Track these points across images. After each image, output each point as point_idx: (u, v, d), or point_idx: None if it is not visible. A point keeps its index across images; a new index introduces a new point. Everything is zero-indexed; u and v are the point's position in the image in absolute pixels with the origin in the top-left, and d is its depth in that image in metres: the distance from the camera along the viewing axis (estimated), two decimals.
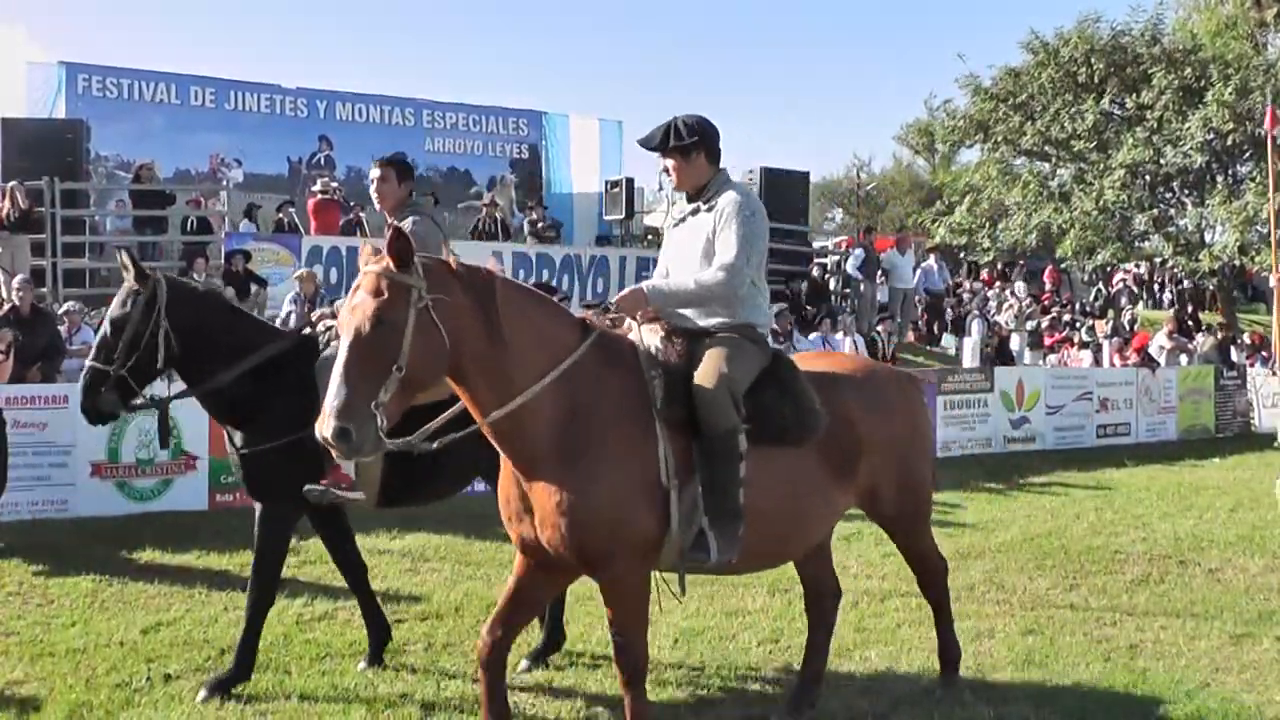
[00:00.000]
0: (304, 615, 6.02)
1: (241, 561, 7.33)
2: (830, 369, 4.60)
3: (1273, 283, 7.76)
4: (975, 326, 17.56)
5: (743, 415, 3.95)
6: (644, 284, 4.17)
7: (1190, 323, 22.78)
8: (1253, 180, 22.48)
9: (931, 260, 19.99)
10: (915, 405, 4.98)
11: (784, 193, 19.30)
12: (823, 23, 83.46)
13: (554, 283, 15.78)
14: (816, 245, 21.83)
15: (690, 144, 4.20)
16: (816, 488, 4.27)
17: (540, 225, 18.07)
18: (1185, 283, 27.50)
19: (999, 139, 24.68)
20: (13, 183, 13.45)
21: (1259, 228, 22.34)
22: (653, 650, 5.34)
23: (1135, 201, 23.33)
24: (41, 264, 13.46)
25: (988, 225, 24.68)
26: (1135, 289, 28.27)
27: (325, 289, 13.75)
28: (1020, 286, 23.09)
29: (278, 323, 12.55)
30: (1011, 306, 19.83)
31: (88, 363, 4.91)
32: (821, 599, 4.93)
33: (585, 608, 6.10)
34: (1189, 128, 22.13)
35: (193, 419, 9.25)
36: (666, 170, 4.36)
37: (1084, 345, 18.59)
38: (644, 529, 3.84)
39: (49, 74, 17.67)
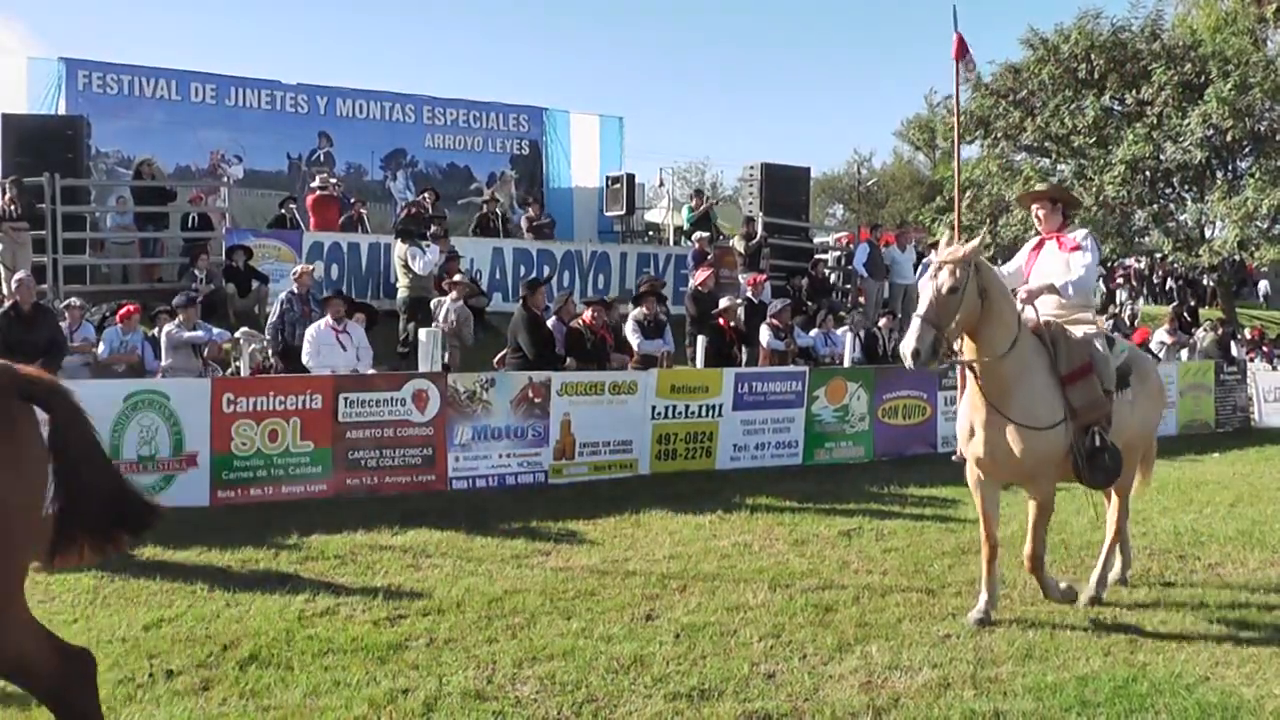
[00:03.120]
0: (306, 611, 6.02)
1: (242, 558, 7.36)
2: None
3: (937, 254, 5.91)
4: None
5: None
6: None
7: (1190, 318, 22.80)
8: (1252, 176, 22.51)
9: (932, 256, 20.00)
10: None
11: (785, 188, 19.35)
12: (823, 18, 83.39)
13: (555, 278, 15.80)
14: (817, 241, 21.85)
15: None
16: None
17: (537, 223, 18.08)
18: (1183, 279, 27.54)
19: (999, 135, 24.72)
20: (10, 179, 13.51)
21: (1258, 223, 22.38)
22: (653, 646, 5.39)
23: (1135, 197, 23.37)
24: (42, 260, 13.48)
25: (988, 221, 24.73)
26: (1136, 283, 28.30)
27: (326, 284, 13.77)
28: None
29: (269, 320, 12.56)
30: None
31: None
32: (53, 682, 3.34)
33: (588, 601, 6.10)
34: (1189, 123, 22.16)
35: (194, 416, 9.31)
36: None
37: None
38: None
39: (49, 70, 17.66)
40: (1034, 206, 6.56)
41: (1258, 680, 5.05)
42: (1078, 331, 6.10)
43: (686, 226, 19.32)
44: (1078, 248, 6.25)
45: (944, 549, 7.84)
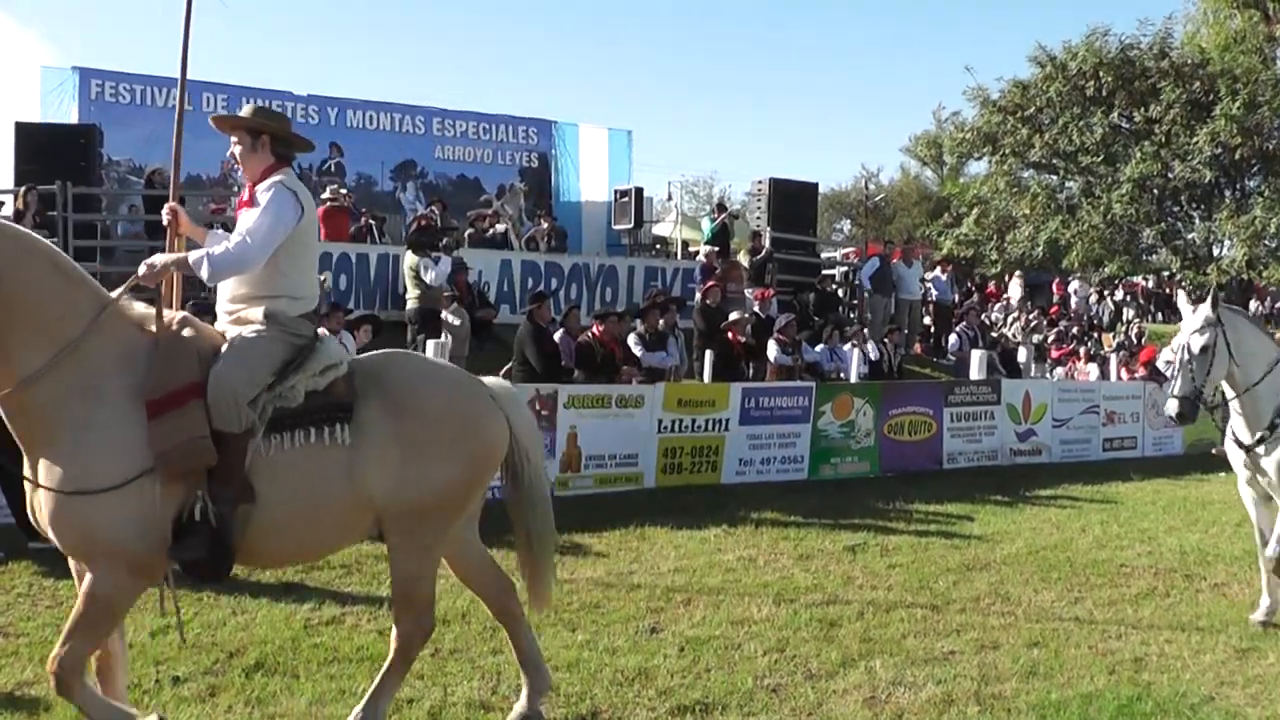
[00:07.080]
0: (312, 620, 6.04)
1: (248, 566, 7.37)
2: None
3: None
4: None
5: None
6: None
7: None
8: (1260, 194, 22.52)
9: (938, 271, 20.02)
10: None
11: (792, 203, 19.38)
12: (831, 34, 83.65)
13: (562, 291, 15.83)
14: (824, 256, 21.87)
15: None
16: None
17: (544, 235, 18.11)
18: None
19: (1007, 151, 24.75)
20: (26, 186, 13.60)
21: (1266, 242, 22.38)
22: (658, 659, 5.39)
23: (1143, 215, 23.37)
24: None
25: (995, 237, 24.75)
26: (1144, 302, 28.24)
27: (334, 296, 13.80)
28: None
29: None
30: (1018, 319, 19.83)
31: None
32: None
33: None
34: (1197, 142, 22.17)
35: None
36: None
37: (1091, 358, 18.56)
38: None
39: (62, 78, 17.80)
40: (232, 139, 4.49)
41: (1262, 700, 5.05)
42: (233, 333, 4.15)
43: (708, 238, 19.25)
44: (249, 203, 4.36)
45: (948, 565, 7.83)
